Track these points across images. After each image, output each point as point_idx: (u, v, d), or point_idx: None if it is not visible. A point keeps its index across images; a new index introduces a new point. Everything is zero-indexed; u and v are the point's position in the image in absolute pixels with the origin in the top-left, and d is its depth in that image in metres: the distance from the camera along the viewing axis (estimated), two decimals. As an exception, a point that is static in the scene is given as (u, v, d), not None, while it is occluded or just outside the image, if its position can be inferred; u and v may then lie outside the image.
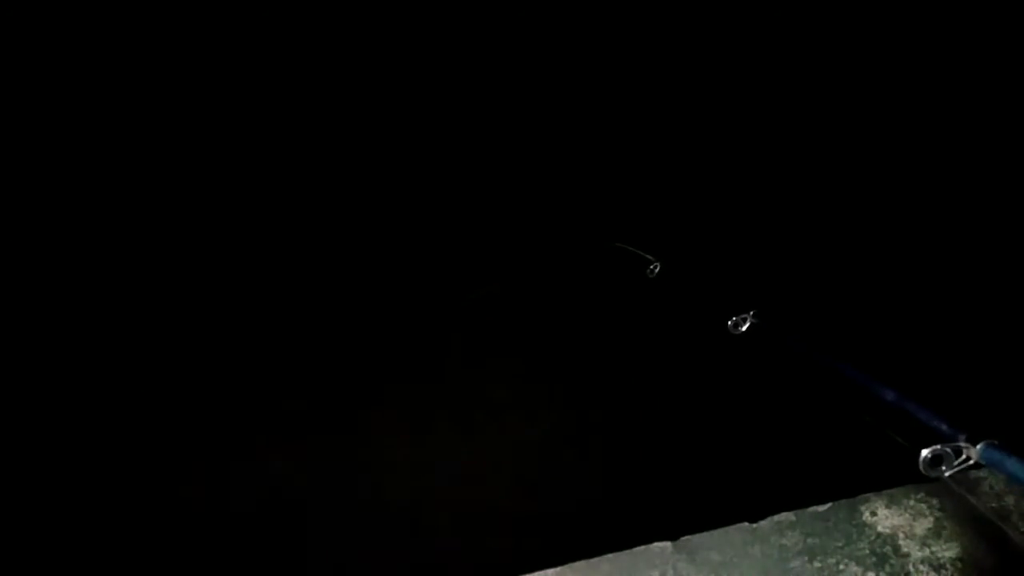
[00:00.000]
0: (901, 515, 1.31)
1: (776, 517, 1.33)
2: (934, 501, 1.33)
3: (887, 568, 1.21)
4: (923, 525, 1.29)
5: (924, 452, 1.05)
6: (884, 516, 1.32)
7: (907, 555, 1.24)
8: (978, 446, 1.02)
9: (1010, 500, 1.31)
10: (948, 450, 1.04)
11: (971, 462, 1.04)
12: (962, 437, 1.05)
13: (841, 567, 1.22)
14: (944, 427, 1.09)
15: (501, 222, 3.96)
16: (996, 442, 1.02)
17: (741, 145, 3.88)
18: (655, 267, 2.28)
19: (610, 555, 1.27)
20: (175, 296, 3.49)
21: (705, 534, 1.31)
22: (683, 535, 1.31)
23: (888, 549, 1.25)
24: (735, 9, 3.74)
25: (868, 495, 1.37)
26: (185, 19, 3.48)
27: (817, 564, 1.23)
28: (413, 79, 3.86)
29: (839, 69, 3.70)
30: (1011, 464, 0.96)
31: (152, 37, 3.49)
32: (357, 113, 3.88)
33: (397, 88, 3.86)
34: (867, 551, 1.25)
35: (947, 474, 1.04)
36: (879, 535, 1.28)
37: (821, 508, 1.35)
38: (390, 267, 3.80)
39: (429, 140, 3.98)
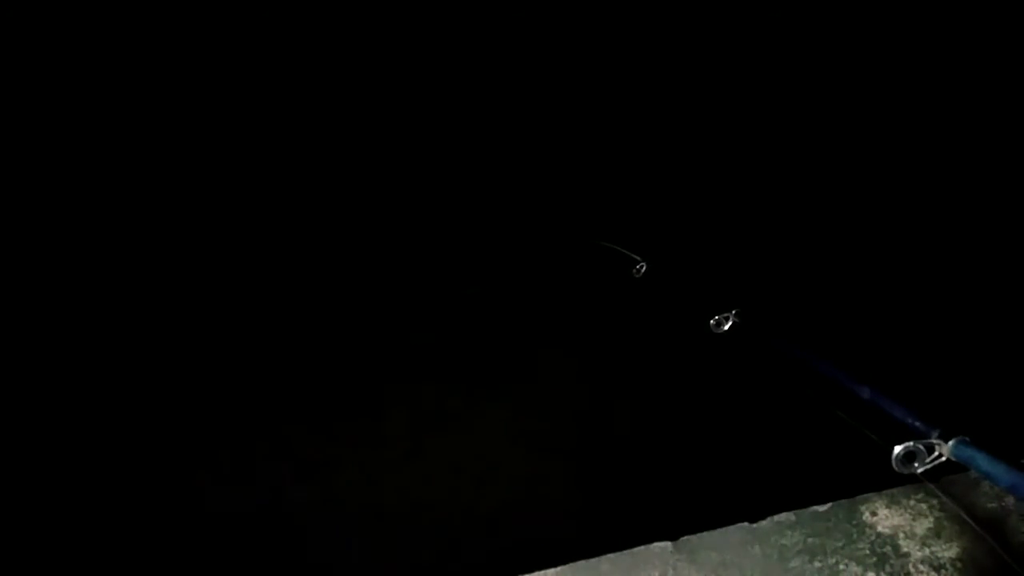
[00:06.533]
0: (901, 515, 1.32)
1: (776, 517, 1.33)
2: (934, 501, 1.33)
3: (887, 568, 1.22)
4: (923, 525, 1.29)
5: (896, 448, 1.04)
6: (884, 516, 1.32)
7: (907, 555, 1.24)
8: (950, 442, 1.01)
9: (1009, 501, 1.31)
10: (921, 446, 1.03)
11: (943, 459, 1.03)
12: (935, 433, 1.04)
13: (841, 567, 1.22)
14: (918, 424, 1.08)
15: (487, 221, 3.95)
16: (968, 438, 1.01)
17: (727, 146, 3.88)
18: (641, 267, 2.27)
19: (610, 555, 1.28)
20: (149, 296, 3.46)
21: (705, 534, 1.31)
22: (683, 535, 1.31)
23: (888, 549, 1.25)
24: (716, 10, 3.75)
25: (868, 495, 1.37)
26: (184, 19, 3.48)
27: (817, 564, 1.23)
28: (400, 79, 3.85)
29: (818, 71, 3.71)
30: (981, 460, 0.94)
31: (152, 37, 3.49)
32: (338, 112, 3.86)
33: (383, 88, 3.85)
34: (867, 551, 1.25)
35: (920, 471, 1.04)
36: (879, 535, 1.28)
37: (821, 508, 1.35)
38: (375, 266, 3.78)
39: (410, 141, 3.97)
